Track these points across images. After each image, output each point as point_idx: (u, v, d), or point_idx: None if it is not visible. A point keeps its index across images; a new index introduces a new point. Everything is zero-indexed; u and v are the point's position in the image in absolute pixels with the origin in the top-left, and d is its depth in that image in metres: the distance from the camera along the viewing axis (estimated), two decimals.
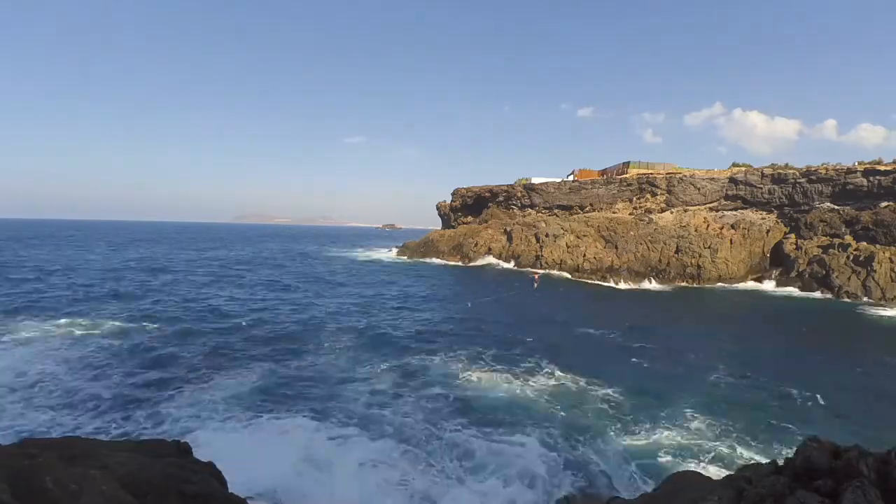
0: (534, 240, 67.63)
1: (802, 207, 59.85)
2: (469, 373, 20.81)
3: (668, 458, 13.98)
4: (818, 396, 19.07)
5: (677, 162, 79.75)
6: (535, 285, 51.90)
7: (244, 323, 28.99)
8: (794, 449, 5.57)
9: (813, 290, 49.35)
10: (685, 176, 68.84)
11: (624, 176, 74.45)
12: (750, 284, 56.62)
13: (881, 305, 43.46)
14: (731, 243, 61.06)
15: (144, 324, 27.58)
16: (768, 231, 61.64)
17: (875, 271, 47.20)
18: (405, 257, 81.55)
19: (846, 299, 46.57)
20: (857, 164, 58.14)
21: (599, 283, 57.13)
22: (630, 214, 69.63)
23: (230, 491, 7.26)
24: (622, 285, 55.65)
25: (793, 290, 50.75)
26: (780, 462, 5.82)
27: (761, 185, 63.16)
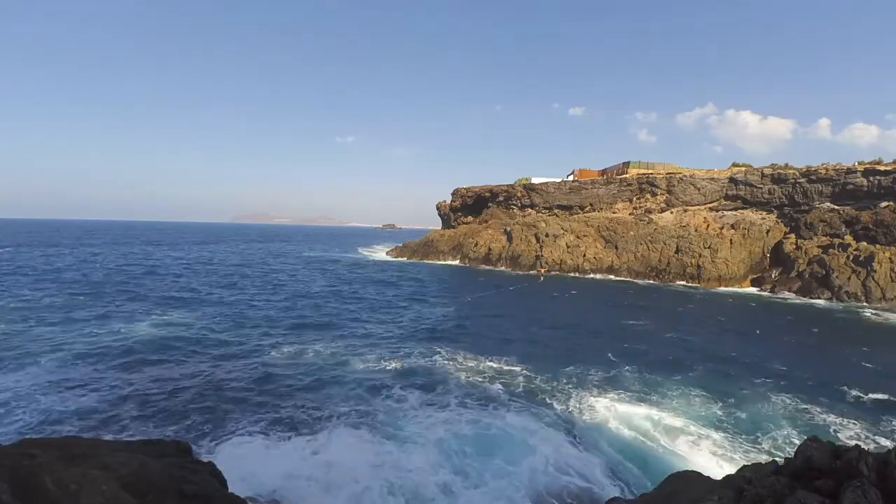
0: (534, 240, 67.59)
1: (802, 207, 59.81)
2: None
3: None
4: (820, 396, 19.07)
5: (674, 161, 79.95)
6: (541, 279, 53.83)
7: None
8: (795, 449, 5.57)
9: (813, 290, 49.22)
10: (685, 176, 68.80)
11: (624, 176, 74.41)
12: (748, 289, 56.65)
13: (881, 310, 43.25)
14: (731, 243, 61.00)
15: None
16: (768, 231, 61.58)
17: (875, 271, 47.15)
18: (405, 258, 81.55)
19: (846, 300, 46.48)
20: (857, 164, 58.04)
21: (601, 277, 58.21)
22: (630, 214, 69.60)
23: (230, 491, 7.26)
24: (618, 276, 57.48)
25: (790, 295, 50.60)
26: (781, 462, 5.82)
27: (761, 185, 63.11)
